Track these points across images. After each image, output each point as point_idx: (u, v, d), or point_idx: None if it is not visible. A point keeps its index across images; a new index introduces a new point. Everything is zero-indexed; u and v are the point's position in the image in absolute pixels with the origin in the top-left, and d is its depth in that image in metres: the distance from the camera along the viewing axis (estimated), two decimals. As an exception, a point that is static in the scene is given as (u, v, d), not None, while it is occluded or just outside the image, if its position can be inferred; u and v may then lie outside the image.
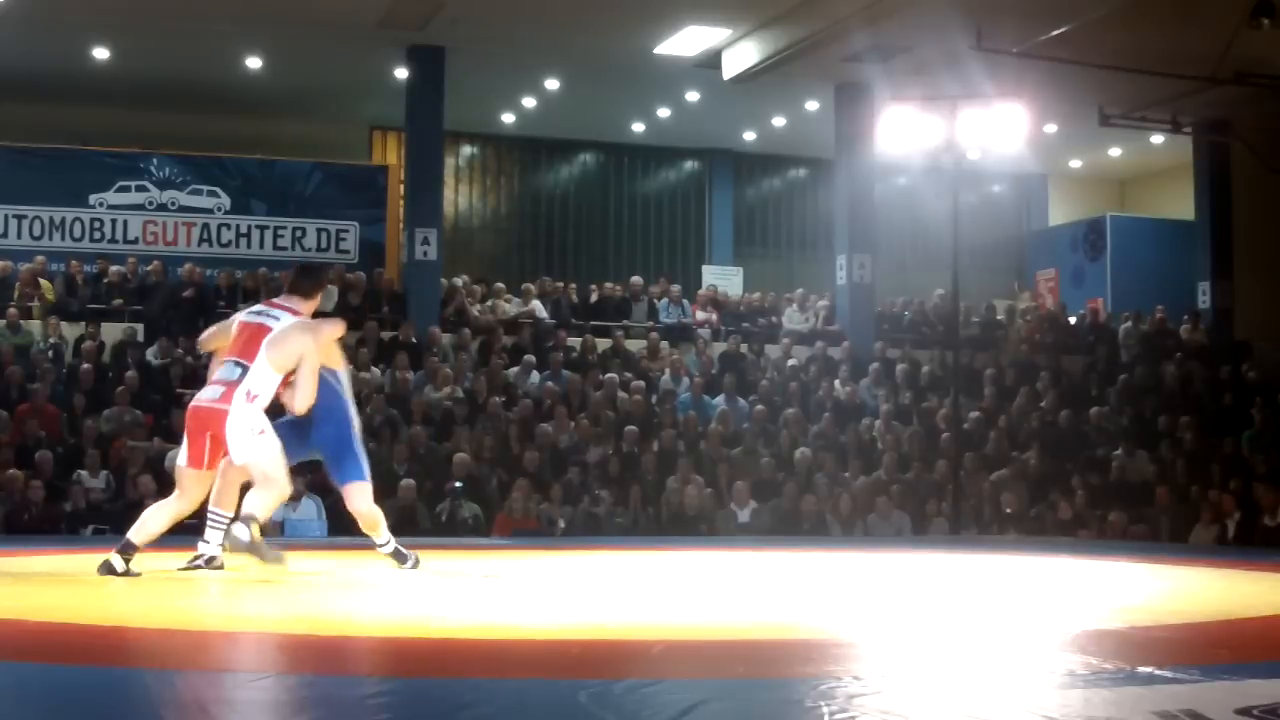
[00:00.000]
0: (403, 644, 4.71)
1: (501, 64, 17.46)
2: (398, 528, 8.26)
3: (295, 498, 12.26)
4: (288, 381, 6.86)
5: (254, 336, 6.84)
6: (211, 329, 7.46)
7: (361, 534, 7.48)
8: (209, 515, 7.13)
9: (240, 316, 7.09)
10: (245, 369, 6.75)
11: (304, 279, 7.27)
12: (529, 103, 19.49)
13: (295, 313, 6.99)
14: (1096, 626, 5.28)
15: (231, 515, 7.04)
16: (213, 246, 17.65)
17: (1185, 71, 15.35)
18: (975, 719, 3.29)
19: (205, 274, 16.49)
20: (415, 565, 7.43)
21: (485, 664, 4.26)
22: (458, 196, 21.45)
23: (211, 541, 7.13)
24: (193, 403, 6.96)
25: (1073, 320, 19.93)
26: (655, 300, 17.81)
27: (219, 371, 6.91)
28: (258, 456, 6.73)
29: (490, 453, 13.43)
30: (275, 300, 7.26)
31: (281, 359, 6.78)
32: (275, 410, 7.03)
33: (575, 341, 16.46)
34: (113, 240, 17.30)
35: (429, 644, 4.70)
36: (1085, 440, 15.46)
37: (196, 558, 7.18)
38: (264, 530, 12.45)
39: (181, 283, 16.02)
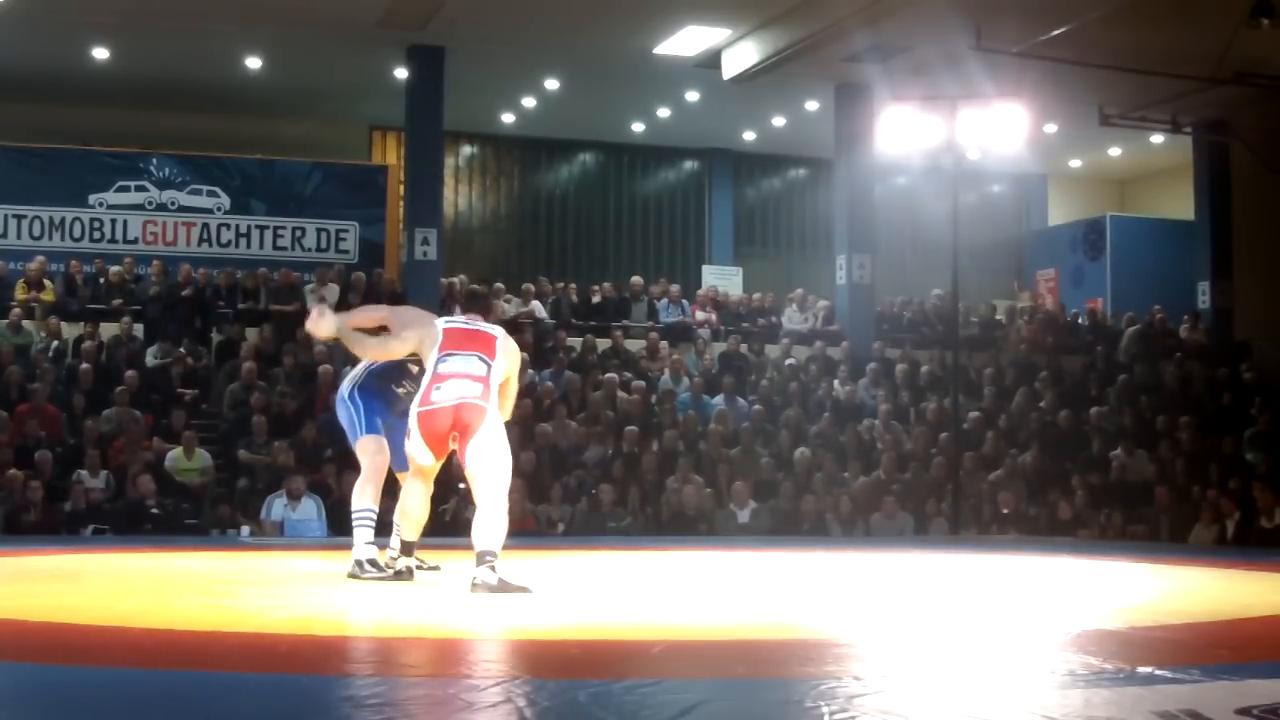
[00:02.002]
0: (402, 644, 4.71)
1: (501, 64, 17.45)
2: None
3: (296, 497, 12.31)
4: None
5: (480, 337, 6.50)
6: (427, 320, 6.81)
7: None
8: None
9: (441, 323, 6.64)
10: (488, 365, 6.38)
11: (475, 302, 7.11)
12: (529, 103, 19.49)
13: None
14: (1096, 626, 5.27)
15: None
16: (212, 246, 17.64)
17: (1185, 71, 15.37)
18: (975, 719, 3.29)
19: (206, 274, 16.48)
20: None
21: (485, 664, 4.26)
22: (458, 196, 21.44)
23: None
24: (443, 403, 6.29)
25: (1072, 319, 19.94)
26: (655, 300, 17.81)
27: (454, 362, 6.36)
28: (499, 474, 6.32)
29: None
30: (472, 315, 6.95)
31: (507, 368, 6.52)
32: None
33: (575, 341, 16.46)
34: (112, 240, 17.29)
35: (429, 644, 4.70)
36: (1085, 440, 15.47)
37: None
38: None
39: (181, 283, 16.02)
